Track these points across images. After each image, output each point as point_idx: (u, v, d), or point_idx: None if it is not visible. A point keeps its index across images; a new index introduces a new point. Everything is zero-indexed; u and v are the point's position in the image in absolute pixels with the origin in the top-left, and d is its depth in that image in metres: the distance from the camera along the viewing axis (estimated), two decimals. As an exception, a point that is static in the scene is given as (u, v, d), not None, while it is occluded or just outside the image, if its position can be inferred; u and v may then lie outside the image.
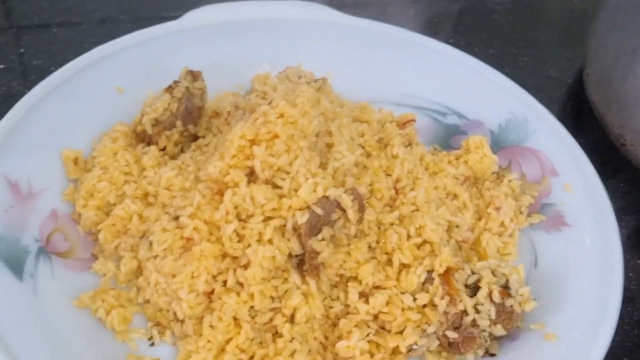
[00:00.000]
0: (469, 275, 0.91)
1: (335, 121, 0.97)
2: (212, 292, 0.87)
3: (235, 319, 0.86)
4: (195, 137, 1.04)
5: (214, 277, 0.87)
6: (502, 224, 1.02)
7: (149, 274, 0.89)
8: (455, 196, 1.03)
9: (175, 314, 0.88)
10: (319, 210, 0.87)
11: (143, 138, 1.01)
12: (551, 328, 0.90)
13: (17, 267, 0.86)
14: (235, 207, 0.88)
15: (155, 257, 0.89)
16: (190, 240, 0.88)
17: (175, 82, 1.04)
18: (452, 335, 0.88)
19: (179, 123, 1.00)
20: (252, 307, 0.87)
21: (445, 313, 0.88)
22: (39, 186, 0.96)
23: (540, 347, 0.89)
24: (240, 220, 0.88)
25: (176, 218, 0.90)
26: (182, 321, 0.88)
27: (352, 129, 1.00)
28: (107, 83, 1.09)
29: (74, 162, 0.99)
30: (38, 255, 0.89)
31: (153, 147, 1.00)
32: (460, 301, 0.88)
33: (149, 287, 0.89)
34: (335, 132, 0.95)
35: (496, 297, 0.89)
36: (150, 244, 0.90)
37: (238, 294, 0.86)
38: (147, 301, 0.90)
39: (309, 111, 0.91)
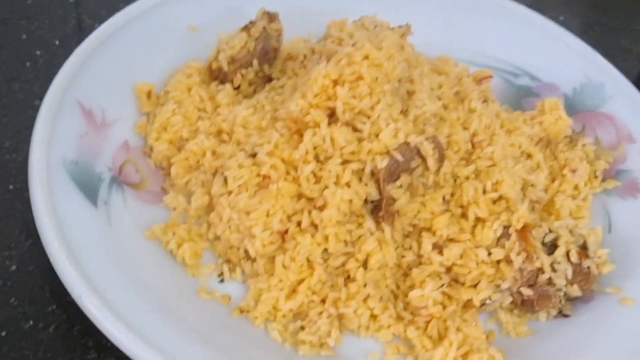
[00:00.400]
0: (547, 234, 0.88)
1: (417, 69, 0.95)
2: (286, 231, 0.86)
3: (308, 260, 0.85)
4: (269, 79, 1.02)
5: (288, 216, 0.86)
6: (575, 187, 1.00)
7: (222, 210, 0.87)
8: (529, 156, 1.01)
9: (246, 251, 0.86)
10: (399, 156, 0.85)
11: (217, 75, 1.00)
12: (627, 292, 0.89)
13: (91, 193, 0.85)
14: (315, 148, 0.86)
15: (230, 193, 0.87)
16: (267, 178, 0.86)
17: (251, 21, 1.01)
18: (526, 292, 0.86)
19: (255, 62, 0.99)
20: (325, 249, 0.85)
21: (521, 270, 0.86)
22: (112, 116, 0.94)
23: (615, 310, 0.87)
24: (318, 161, 0.86)
25: (253, 155, 0.88)
26: (254, 259, 0.87)
27: (433, 79, 0.97)
28: (179, 21, 1.07)
29: (147, 95, 0.98)
30: (111, 184, 0.88)
31: (228, 85, 0.99)
32: (537, 258, 0.86)
33: (220, 223, 0.87)
34: (417, 80, 0.93)
35: (574, 256, 0.87)
36: (225, 179, 0.88)
37: (312, 236, 0.85)
38: (218, 238, 0.89)
39: (394, 55, 0.88)
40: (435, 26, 1.16)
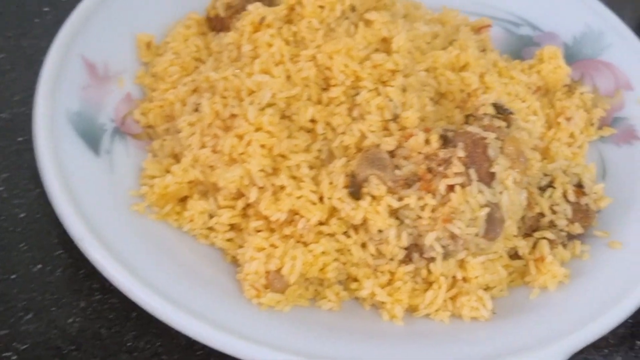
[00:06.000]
0: (542, 178, 0.90)
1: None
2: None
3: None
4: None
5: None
6: (571, 135, 1.02)
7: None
8: (526, 104, 1.02)
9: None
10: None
11: (216, 25, 1.01)
12: (616, 236, 0.90)
13: (93, 143, 0.88)
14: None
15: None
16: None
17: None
18: None
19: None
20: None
21: (522, 218, 0.87)
22: (114, 69, 0.97)
23: (604, 253, 0.89)
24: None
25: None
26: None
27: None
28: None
29: (147, 45, 1.00)
30: (113, 134, 0.91)
31: (222, 34, 0.99)
32: (536, 204, 0.88)
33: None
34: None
35: (571, 196, 0.89)
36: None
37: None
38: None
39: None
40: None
